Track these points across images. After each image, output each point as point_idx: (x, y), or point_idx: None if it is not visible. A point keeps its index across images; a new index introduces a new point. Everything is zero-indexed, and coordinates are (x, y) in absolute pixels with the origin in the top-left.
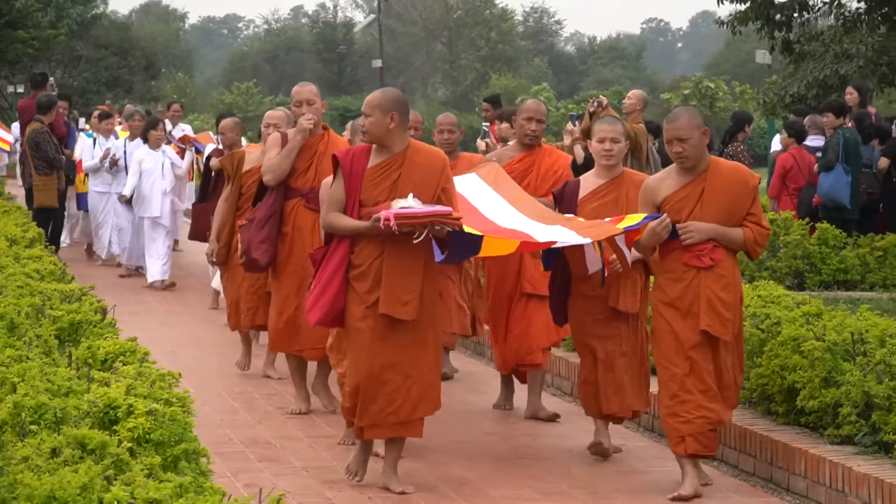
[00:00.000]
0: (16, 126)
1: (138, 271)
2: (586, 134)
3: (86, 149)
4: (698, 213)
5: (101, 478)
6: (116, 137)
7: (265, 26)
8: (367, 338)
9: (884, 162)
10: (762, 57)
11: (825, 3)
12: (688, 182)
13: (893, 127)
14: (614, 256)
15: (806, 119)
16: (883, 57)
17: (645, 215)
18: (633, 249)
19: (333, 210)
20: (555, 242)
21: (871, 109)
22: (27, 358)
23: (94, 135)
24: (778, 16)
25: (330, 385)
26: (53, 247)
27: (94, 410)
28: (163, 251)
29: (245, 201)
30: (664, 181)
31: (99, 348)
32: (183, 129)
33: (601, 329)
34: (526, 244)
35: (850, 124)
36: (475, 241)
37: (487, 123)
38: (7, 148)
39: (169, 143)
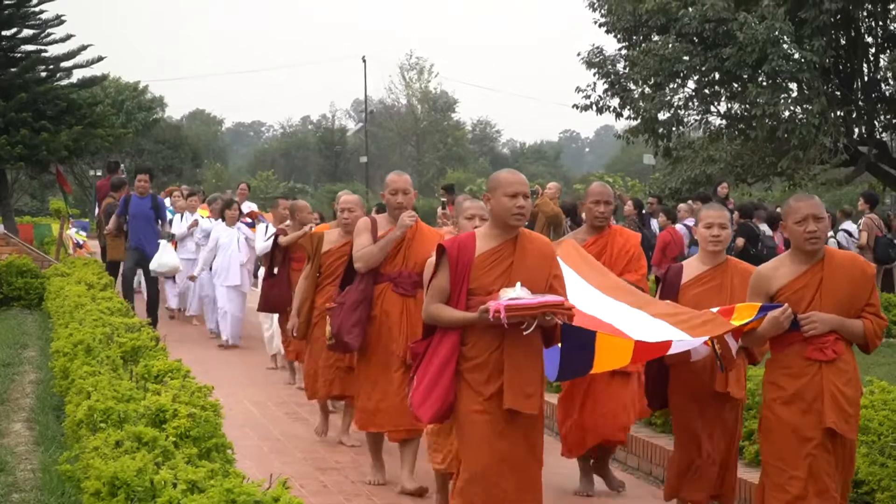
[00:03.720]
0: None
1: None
2: None
3: (175, 221)
4: (817, 304)
5: (152, 463)
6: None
7: (281, 130)
8: (485, 431)
9: (740, 241)
10: (648, 159)
11: (696, 121)
12: (805, 270)
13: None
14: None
15: (681, 205)
16: (738, 161)
17: (760, 306)
18: (739, 340)
19: (436, 301)
20: (669, 343)
21: (730, 200)
22: (99, 373)
23: (175, 212)
24: (661, 129)
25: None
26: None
27: (148, 413)
28: (239, 316)
29: (324, 279)
30: (778, 269)
31: (153, 367)
32: (249, 206)
33: (706, 415)
34: (640, 351)
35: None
36: (588, 349)
37: (444, 200)
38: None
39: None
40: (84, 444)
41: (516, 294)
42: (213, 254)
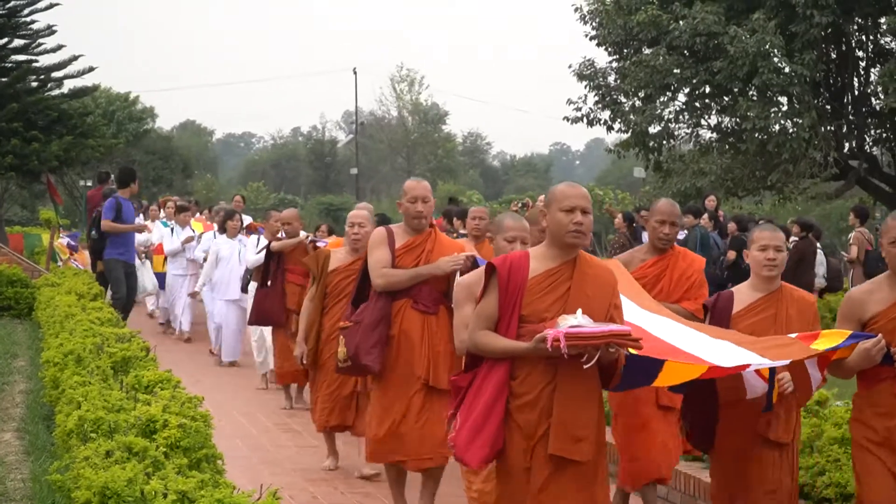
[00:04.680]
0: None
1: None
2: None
3: (165, 235)
4: None
5: (143, 474)
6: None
7: (272, 141)
8: (534, 480)
9: (731, 254)
10: (639, 172)
11: (686, 134)
12: None
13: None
14: (785, 374)
15: None
16: (728, 174)
17: (849, 333)
18: (825, 372)
19: (482, 327)
20: (748, 366)
21: (720, 212)
22: (89, 383)
23: (170, 224)
24: (651, 143)
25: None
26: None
27: (138, 423)
28: (238, 331)
29: (331, 300)
30: (873, 294)
31: (143, 377)
32: (245, 218)
33: (750, 460)
34: (714, 370)
35: (703, 222)
36: (654, 366)
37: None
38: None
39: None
40: (74, 453)
41: (577, 322)
42: (214, 267)
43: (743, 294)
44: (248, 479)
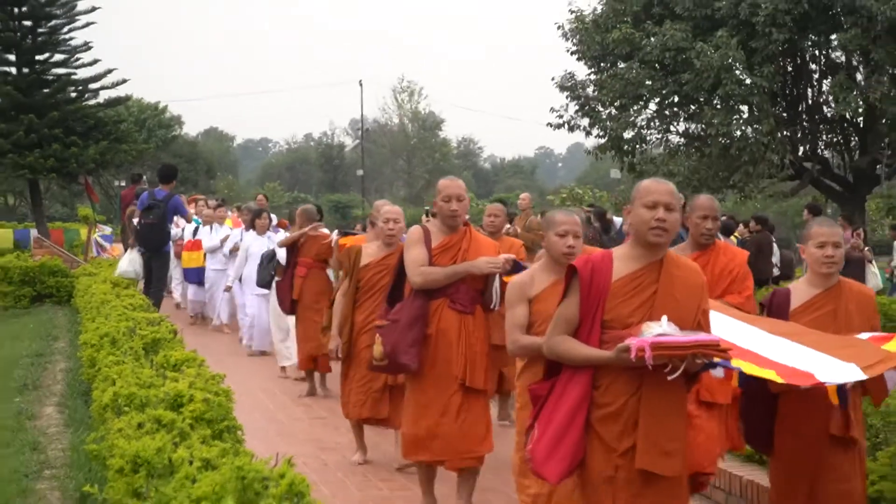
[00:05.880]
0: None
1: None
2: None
3: (203, 233)
4: None
5: (171, 443)
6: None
7: (286, 146)
8: (620, 496)
9: None
10: (615, 173)
11: (657, 139)
12: None
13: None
14: None
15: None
16: (695, 175)
17: None
18: None
19: (561, 332)
20: (819, 382)
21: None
22: (123, 362)
23: (201, 221)
24: (626, 147)
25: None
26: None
27: (167, 398)
28: (267, 324)
29: (362, 294)
30: None
31: (171, 356)
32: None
33: (815, 460)
34: (791, 375)
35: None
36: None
37: (427, 209)
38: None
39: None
40: (109, 426)
41: (663, 330)
42: (244, 263)
43: (800, 291)
44: (266, 448)
